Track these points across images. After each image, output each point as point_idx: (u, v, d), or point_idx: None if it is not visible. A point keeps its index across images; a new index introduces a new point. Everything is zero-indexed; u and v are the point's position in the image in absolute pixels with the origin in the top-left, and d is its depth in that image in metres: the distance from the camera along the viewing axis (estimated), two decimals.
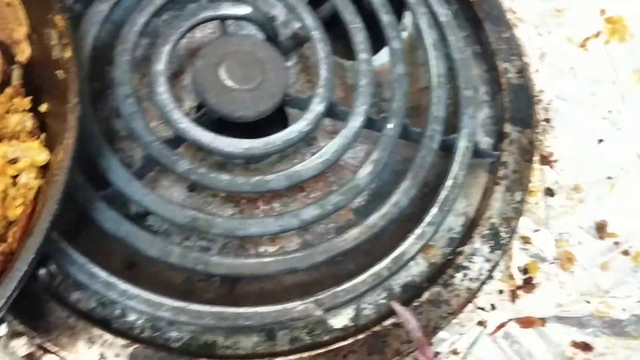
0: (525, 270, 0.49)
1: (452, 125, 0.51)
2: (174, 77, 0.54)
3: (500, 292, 0.48)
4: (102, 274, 0.42)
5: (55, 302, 0.43)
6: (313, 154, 0.48)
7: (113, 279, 0.42)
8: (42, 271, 0.44)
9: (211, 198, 0.52)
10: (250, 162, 0.53)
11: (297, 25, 0.56)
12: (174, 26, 0.49)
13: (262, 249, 0.51)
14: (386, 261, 0.45)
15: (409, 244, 0.46)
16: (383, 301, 0.48)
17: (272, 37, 0.54)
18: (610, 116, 0.55)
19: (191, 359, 0.43)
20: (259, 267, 0.44)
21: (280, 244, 0.51)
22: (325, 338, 0.46)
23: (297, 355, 0.44)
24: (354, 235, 0.46)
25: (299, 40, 0.56)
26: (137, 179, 0.45)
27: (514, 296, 0.48)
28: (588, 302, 0.48)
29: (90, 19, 0.49)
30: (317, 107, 0.49)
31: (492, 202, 0.50)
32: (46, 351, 0.42)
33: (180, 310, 0.42)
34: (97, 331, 0.42)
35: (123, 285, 0.42)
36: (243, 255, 0.47)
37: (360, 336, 0.45)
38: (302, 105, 0.51)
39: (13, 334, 0.42)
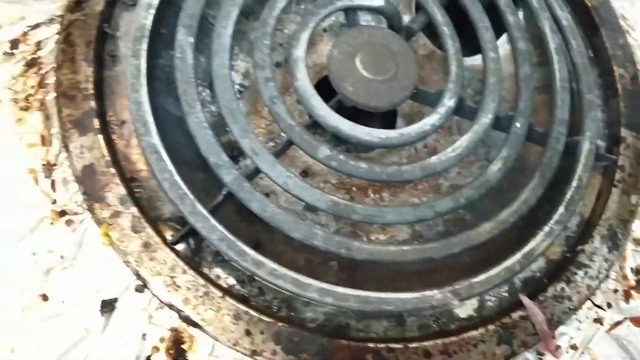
0: (637, 271, 0.50)
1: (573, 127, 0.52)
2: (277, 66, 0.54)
3: (615, 291, 0.49)
4: (252, 252, 0.42)
5: (199, 276, 0.43)
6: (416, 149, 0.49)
7: (261, 258, 0.42)
8: (182, 246, 0.44)
9: (323, 184, 0.52)
10: (362, 152, 0.54)
11: (407, 18, 0.56)
12: (311, 13, 0.49)
13: (373, 237, 0.51)
14: (517, 256, 0.46)
15: (539, 241, 0.47)
16: (505, 294, 0.49)
17: (396, 30, 0.54)
18: None
19: (330, 340, 0.43)
20: (399, 254, 0.45)
21: (391, 233, 0.52)
22: (452, 327, 0.47)
23: (431, 342, 0.45)
24: (487, 229, 0.46)
25: (410, 34, 0.56)
26: (278, 162, 0.45)
27: (627, 296, 0.49)
28: None
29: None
30: (448, 102, 0.49)
31: (610, 204, 0.51)
32: (191, 324, 0.42)
33: (326, 292, 0.43)
34: (242, 307, 0.43)
35: (271, 264, 0.42)
36: (381, 243, 0.47)
37: (490, 327, 0.46)
38: (429, 99, 0.51)
39: (158, 307, 0.43)
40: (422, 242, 0.46)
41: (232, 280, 0.45)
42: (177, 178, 0.43)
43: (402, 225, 0.52)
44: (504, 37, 0.56)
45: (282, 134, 0.48)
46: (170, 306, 0.42)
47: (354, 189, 0.53)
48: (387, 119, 0.56)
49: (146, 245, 0.43)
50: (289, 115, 0.47)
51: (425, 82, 0.57)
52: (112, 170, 0.44)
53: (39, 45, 0.47)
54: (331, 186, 0.53)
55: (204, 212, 0.43)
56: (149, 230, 0.43)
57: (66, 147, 0.45)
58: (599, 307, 0.48)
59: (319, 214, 0.50)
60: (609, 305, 0.49)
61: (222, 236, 0.42)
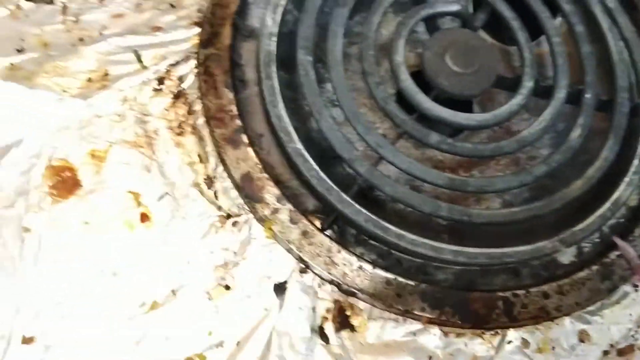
0: None
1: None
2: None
3: None
4: (393, 227, 0.50)
5: (351, 254, 0.50)
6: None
7: (402, 231, 0.50)
8: (329, 231, 0.51)
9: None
10: (454, 136, 0.61)
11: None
12: (402, 24, 0.57)
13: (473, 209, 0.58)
14: (607, 205, 0.53)
15: (622, 190, 0.54)
16: (597, 240, 0.56)
17: (470, 28, 0.61)
18: None
19: (465, 293, 0.50)
20: (510, 215, 0.52)
21: (486, 204, 0.59)
22: (559, 272, 0.54)
23: (547, 285, 0.51)
24: (578, 185, 0.53)
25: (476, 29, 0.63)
26: (397, 150, 0.52)
27: None
28: None
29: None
30: (528, 83, 0.56)
31: None
32: (351, 294, 0.49)
33: (459, 253, 0.50)
34: (390, 275, 0.50)
35: (411, 235, 0.50)
36: (493, 208, 0.54)
37: (594, 267, 0.53)
38: (509, 84, 0.58)
39: (320, 283, 0.50)
40: (526, 203, 0.53)
41: (374, 256, 0.52)
42: (322, 174, 0.50)
43: (494, 196, 0.59)
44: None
45: (397, 128, 0.55)
46: (331, 281, 0.49)
47: (446, 170, 0.60)
48: (466, 107, 0.63)
49: (304, 234, 0.50)
50: (401, 111, 0.54)
51: (503, 70, 0.63)
52: (266, 175, 0.51)
53: (181, 79, 0.54)
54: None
55: (349, 199, 0.50)
56: (305, 220, 0.50)
57: (223, 160, 0.52)
58: None
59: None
60: None
61: (367, 217, 0.50)
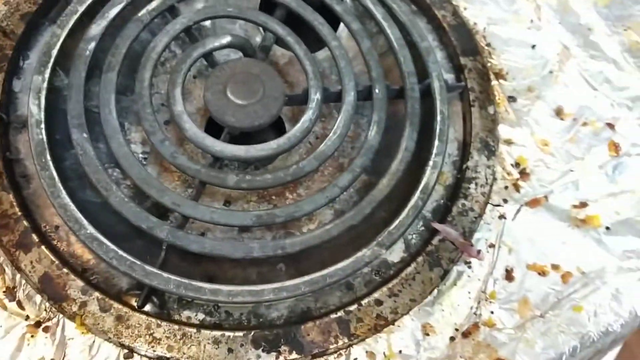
0: (517, 164, 0.57)
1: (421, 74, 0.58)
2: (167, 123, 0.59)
3: (506, 187, 0.56)
4: (207, 285, 0.47)
5: (172, 323, 0.48)
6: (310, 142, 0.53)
7: (216, 286, 0.47)
8: (148, 307, 0.49)
9: (246, 204, 0.57)
10: (267, 164, 0.59)
11: (258, 39, 0.62)
12: (175, 71, 0.54)
13: (305, 229, 0.56)
14: (416, 195, 0.52)
15: (429, 175, 0.53)
16: (422, 228, 0.55)
17: (250, 55, 0.59)
18: (533, 25, 0.64)
19: (299, 326, 0.49)
20: (325, 234, 0.50)
21: (318, 220, 0.57)
22: (391, 272, 0.53)
23: (379, 292, 0.50)
24: (385, 184, 0.52)
25: (266, 50, 0.61)
26: (199, 204, 0.50)
27: (517, 187, 0.56)
28: (572, 170, 0.57)
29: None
30: (314, 96, 0.55)
31: (474, 121, 0.58)
32: None
33: (279, 290, 0.48)
34: (217, 333, 0.47)
35: (226, 288, 0.47)
36: (310, 231, 0.52)
37: (419, 259, 0.52)
38: (300, 100, 0.57)
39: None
40: (340, 216, 0.52)
41: (201, 315, 0.50)
42: (122, 253, 0.47)
43: (324, 210, 0.57)
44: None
45: (193, 180, 0.53)
46: (159, 358, 0.47)
47: (273, 197, 0.58)
48: (278, 129, 0.61)
49: (119, 318, 0.47)
50: (191, 162, 0.51)
51: (296, 85, 0.62)
52: (65, 269, 0.48)
53: None
54: (254, 203, 0.57)
55: (155, 270, 0.47)
56: (117, 304, 0.47)
57: (18, 268, 0.48)
58: (498, 205, 0.55)
59: (254, 231, 0.55)
60: (505, 201, 0.55)
61: (177, 283, 0.47)
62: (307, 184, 0.58)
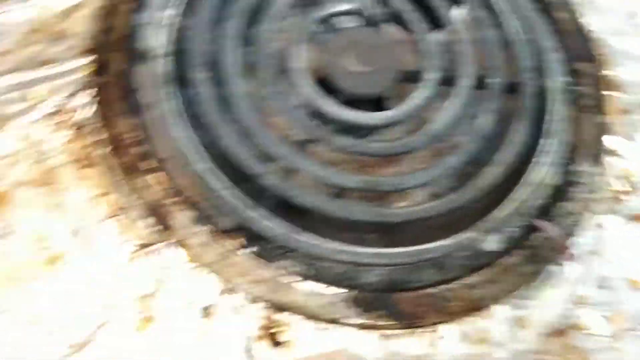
0: (622, 177, 0.56)
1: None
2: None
3: (609, 198, 0.55)
4: (309, 239, 0.47)
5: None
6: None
7: (318, 241, 0.47)
8: (250, 249, 0.48)
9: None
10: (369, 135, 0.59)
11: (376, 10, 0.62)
12: (299, 28, 0.54)
13: (395, 205, 0.56)
14: (521, 189, 0.52)
15: (535, 171, 0.52)
16: (522, 223, 0.53)
17: (368, 24, 0.59)
18: None
19: (394, 294, 0.48)
20: (429, 210, 0.50)
21: (411, 198, 0.56)
22: (485, 261, 0.52)
23: (474, 277, 0.49)
24: (492, 172, 0.52)
25: (383, 23, 0.61)
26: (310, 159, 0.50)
27: (620, 200, 0.55)
28: None
29: None
30: (430, 75, 0.54)
31: (584, 127, 0.57)
32: (280, 309, 0.46)
33: (379, 255, 0.47)
34: (318, 285, 0.47)
35: (329, 244, 0.47)
36: (412, 205, 0.52)
37: (517, 252, 0.51)
38: (411, 77, 0.56)
39: (248, 302, 0.47)
40: (442, 197, 0.51)
41: (299, 268, 0.49)
42: (236, 191, 0.47)
43: (418, 190, 0.57)
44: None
45: (305, 135, 0.53)
46: (258, 299, 0.46)
47: (375, 168, 0.57)
48: (382, 104, 0.61)
49: (225, 254, 0.47)
50: (306, 118, 0.51)
51: (405, 64, 0.61)
52: (177, 198, 0.48)
53: (78, 111, 0.51)
54: (354, 169, 0.56)
55: (264, 214, 0.47)
56: (224, 240, 0.47)
57: (132, 189, 0.48)
58: (599, 214, 0.54)
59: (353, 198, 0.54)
60: (607, 211, 0.54)
61: (282, 232, 0.47)
62: (408, 162, 0.57)
